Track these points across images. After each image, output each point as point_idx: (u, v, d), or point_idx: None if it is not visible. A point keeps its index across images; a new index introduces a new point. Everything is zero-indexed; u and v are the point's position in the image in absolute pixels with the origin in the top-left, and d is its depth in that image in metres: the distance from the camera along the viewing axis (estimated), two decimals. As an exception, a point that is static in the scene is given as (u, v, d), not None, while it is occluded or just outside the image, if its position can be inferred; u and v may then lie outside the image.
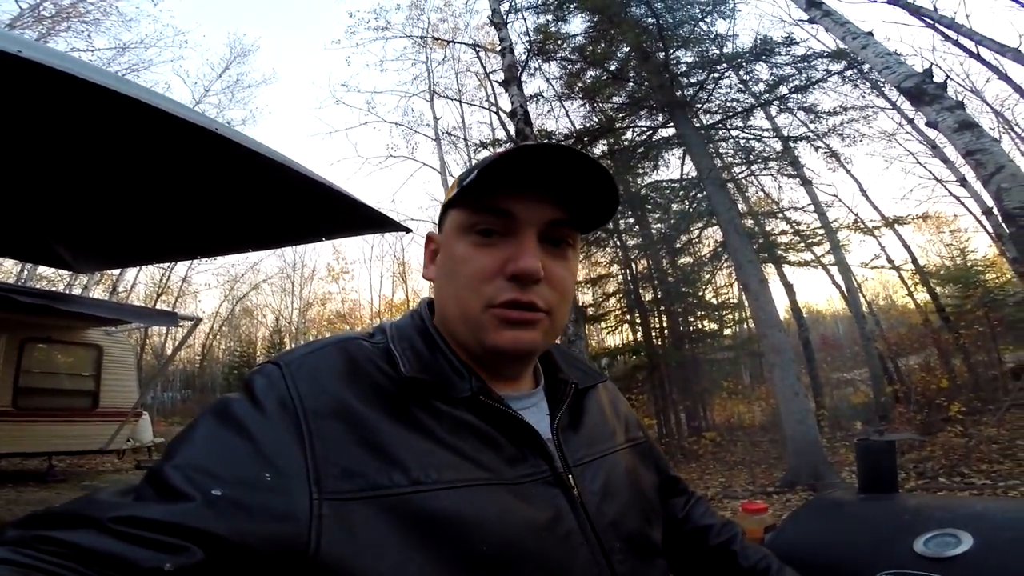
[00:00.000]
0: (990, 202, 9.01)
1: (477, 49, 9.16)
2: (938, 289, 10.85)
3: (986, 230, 10.87)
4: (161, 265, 16.64)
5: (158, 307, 15.94)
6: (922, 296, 11.63)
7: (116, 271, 14.49)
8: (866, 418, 7.99)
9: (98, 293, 15.18)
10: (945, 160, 10.71)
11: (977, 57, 8.75)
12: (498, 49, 6.98)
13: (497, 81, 7.32)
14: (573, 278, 0.58)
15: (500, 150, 0.55)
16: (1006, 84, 9.59)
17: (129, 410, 7.44)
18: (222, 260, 19.72)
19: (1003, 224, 2.87)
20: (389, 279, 30.92)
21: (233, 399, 0.47)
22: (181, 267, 19.35)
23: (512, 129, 6.76)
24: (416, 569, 0.43)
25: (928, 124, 3.21)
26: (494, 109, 10.05)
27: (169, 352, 17.44)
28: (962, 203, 12.14)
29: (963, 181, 10.26)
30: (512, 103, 6.19)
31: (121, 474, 7.90)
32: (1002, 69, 9.31)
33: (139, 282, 19.34)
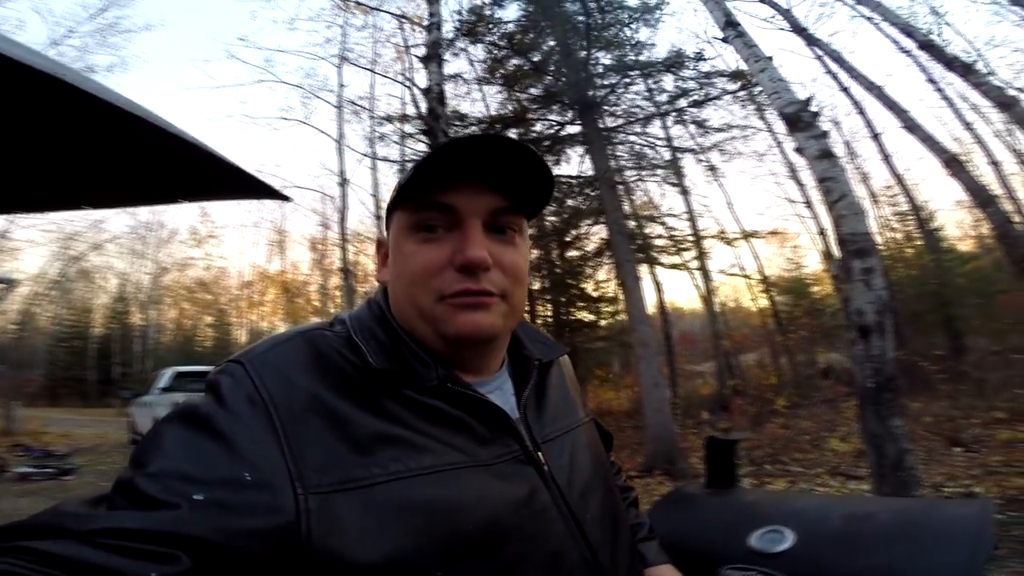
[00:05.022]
0: (825, 223, 10.64)
1: (402, 20, 8.54)
2: (776, 297, 12.63)
3: (817, 248, 12.82)
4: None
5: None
6: (763, 302, 13.45)
7: None
8: (711, 408, 9.07)
9: None
10: (799, 183, 12.34)
11: (847, 92, 10.21)
12: (425, 23, 6.63)
13: (417, 56, 6.97)
14: (524, 262, 0.58)
15: (434, 145, 0.56)
16: (861, 119, 11.24)
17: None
18: (54, 215, 16.55)
19: (837, 245, 3.32)
20: (264, 247, 28.31)
21: (199, 403, 0.47)
22: (-5, 216, 15.90)
23: (424, 107, 6.50)
24: (406, 555, 0.44)
25: (796, 149, 3.59)
26: (408, 84, 9.55)
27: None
28: (804, 223, 14.09)
29: (808, 203, 11.96)
30: (429, 80, 5.94)
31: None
32: (862, 105, 10.88)
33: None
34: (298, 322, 29.20)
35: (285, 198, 3.19)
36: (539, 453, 0.57)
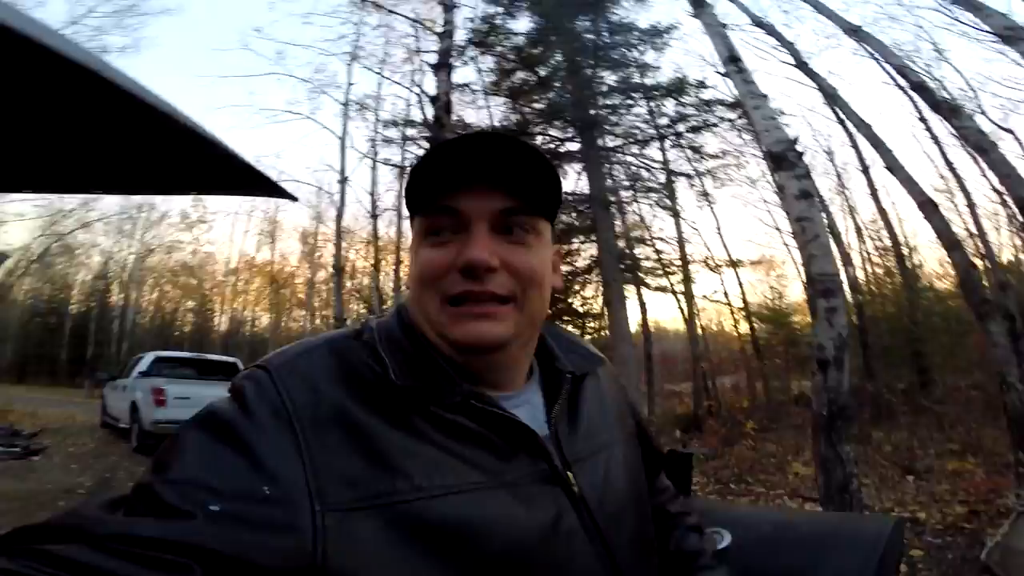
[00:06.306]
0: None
1: (416, 24, 8.58)
2: (756, 325, 12.91)
3: (801, 279, 13.07)
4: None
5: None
6: (744, 328, 13.74)
7: None
8: (685, 427, 9.27)
9: None
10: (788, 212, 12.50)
11: (842, 124, 10.53)
12: (438, 30, 6.73)
13: (427, 62, 7.05)
14: (540, 264, 0.56)
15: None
16: (854, 152, 11.61)
17: None
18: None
19: (805, 283, 3.45)
20: (255, 236, 28.06)
21: (222, 409, 0.46)
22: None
23: (430, 113, 6.62)
24: None
25: (777, 187, 3.66)
26: (415, 89, 9.61)
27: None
28: (790, 252, 14.32)
29: (795, 233, 12.16)
30: (437, 88, 6.03)
31: None
32: (855, 138, 11.19)
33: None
34: (281, 313, 28.95)
35: (292, 198, 3.28)
36: (569, 472, 0.55)
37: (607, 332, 12.69)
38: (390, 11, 9.33)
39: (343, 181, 10.60)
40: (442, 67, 6.14)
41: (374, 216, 11.96)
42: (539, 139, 8.64)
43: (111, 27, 13.61)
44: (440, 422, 0.50)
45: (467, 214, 0.53)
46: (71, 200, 19.07)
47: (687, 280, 11.29)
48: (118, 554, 0.35)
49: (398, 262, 13.18)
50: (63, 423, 10.01)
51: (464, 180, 0.52)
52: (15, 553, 0.34)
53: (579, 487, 0.54)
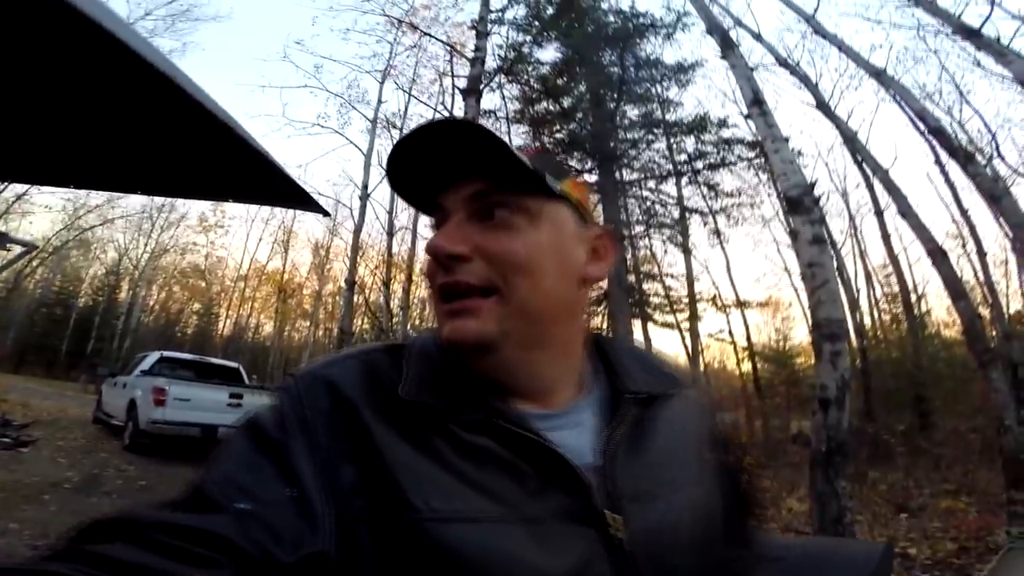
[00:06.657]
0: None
1: (451, 50, 8.80)
2: (760, 363, 12.92)
3: (807, 320, 13.14)
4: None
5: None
6: (746, 366, 13.73)
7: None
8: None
9: None
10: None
11: (859, 166, 10.73)
12: (469, 55, 6.92)
13: (457, 87, 7.18)
14: (528, 247, 0.49)
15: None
16: (868, 195, 11.77)
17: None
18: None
19: (811, 326, 3.54)
20: (269, 244, 28.40)
21: (261, 415, 0.48)
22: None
23: None
24: None
25: (790, 232, 3.73)
26: (441, 111, 9.79)
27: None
28: (798, 294, 14.36)
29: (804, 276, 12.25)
30: (465, 112, 6.18)
31: None
32: (871, 180, 11.33)
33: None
34: (285, 323, 29.04)
35: (326, 213, 3.33)
36: (612, 513, 0.46)
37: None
38: (424, 33, 9.69)
39: (364, 197, 10.76)
40: (471, 92, 6.28)
41: (390, 234, 12.13)
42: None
43: (163, 30, 14.11)
44: (460, 442, 0.45)
45: (445, 206, 0.51)
46: (97, 195, 19.52)
47: (693, 317, 11.35)
48: (156, 547, 0.36)
49: (409, 280, 13.33)
50: (56, 416, 9.83)
51: (446, 173, 0.51)
52: (67, 557, 0.35)
53: (620, 531, 0.45)
